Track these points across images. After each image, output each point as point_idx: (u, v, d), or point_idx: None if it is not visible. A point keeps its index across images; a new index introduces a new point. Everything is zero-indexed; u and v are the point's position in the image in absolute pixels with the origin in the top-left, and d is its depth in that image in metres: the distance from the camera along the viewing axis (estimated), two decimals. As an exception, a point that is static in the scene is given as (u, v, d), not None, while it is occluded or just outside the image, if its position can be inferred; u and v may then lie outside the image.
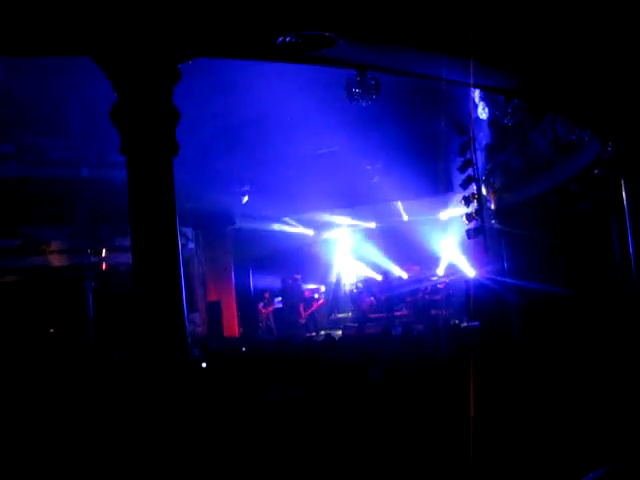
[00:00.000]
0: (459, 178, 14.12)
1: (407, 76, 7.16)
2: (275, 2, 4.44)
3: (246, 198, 15.84)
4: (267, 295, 16.24)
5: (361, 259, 17.76)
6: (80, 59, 4.41)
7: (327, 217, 17.55)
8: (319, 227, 17.92)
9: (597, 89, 6.12)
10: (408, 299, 15.73)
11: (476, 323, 11.40)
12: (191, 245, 15.97)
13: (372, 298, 16.60)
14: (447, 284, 15.68)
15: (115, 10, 4.40)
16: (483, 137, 12.90)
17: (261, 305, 16.16)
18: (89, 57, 4.56)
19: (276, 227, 17.04)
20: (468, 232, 13.90)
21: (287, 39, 5.10)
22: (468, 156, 13.30)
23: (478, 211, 12.98)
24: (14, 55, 5.66)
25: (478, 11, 4.78)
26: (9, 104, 11.02)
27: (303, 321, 16.09)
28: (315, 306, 16.63)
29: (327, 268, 17.99)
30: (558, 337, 6.71)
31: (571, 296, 9.55)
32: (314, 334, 14.87)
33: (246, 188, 15.79)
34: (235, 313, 16.15)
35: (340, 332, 14.27)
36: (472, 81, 6.21)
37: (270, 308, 16.17)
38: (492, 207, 13.07)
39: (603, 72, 5.85)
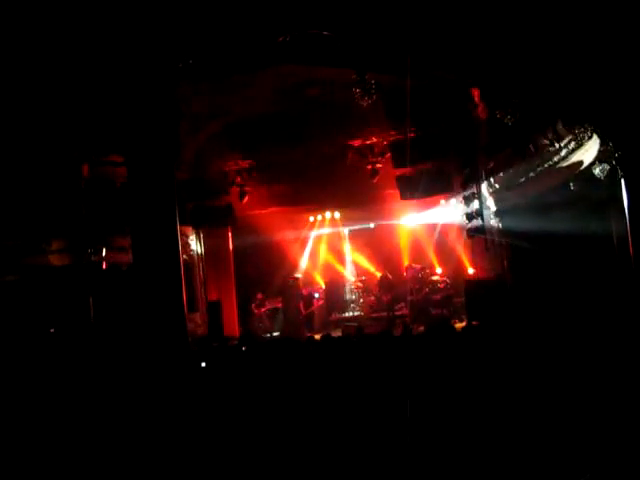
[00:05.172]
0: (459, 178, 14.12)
1: (403, 76, 7.19)
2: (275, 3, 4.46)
3: (246, 198, 15.85)
4: (260, 296, 16.33)
5: (361, 258, 17.76)
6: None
7: (326, 216, 17.56)
8: (319, 226, 17.92)
9: (597, 90, 6.13)
10: (408, 298, 15.72)
11: (476, 322, 11.39)
12: (192, 244, 15.95)
13: (372, 297, 16.60)
14: (447, 283, 15.67)
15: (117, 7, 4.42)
16: (483, 136, 12.88)
17: (254, 305, 16.20)
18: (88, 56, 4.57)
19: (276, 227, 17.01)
20: (468, 231, 13.89)
21: (287, 39, 5.12)
22: (468, 156, 13.30)
23: (478, 211, 12.97)
24: None
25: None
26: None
27: (303, 318, 16.10)
28: (315, 305, 16.64)
29: (327, 267, 17.98)
30: (561, 336, 6.71)
31: (572, 293, 9.56)
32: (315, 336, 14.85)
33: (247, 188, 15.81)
34: (235, 313, 16.14)
35: (340, 332, 14.25)
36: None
37: (263, 309, 16.23)
38: (492, 207, 13.07)
39: (603, 73, 5.86)
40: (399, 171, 14.80)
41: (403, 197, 15.23)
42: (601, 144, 7.92)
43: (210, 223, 16.03)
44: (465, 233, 14.30)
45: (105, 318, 13.15)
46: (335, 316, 16.99)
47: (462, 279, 15.21)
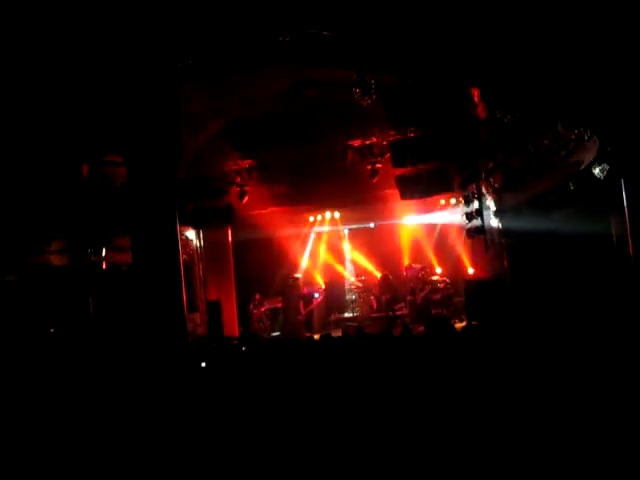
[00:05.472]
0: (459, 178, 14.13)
1: (403, 76, 7.20)
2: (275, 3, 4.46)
3: (246, 198, 15.86)
4: (258, 297, 16.38)
5: (360, 258, 17.77)
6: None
7: (326, 216, 17.57)
8: (319, 226, 17.94)
9: (596, 91, 6.13)
10: (408, 298, 15.74)
11: (476, 322, 11.39)
12: (192, 245, 15.96)
13: (372, 297, 16.61)
14: (447, 283, 15.68)
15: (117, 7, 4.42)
16: (483, 136, 12.88)
17: (252, 306, 16.26)
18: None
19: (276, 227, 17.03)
20: (468, 231, 13.90)
21: (287, 39, 5.12)
22: (468, 156, 13.30)
23: (478, 210, 12.97)
24: None
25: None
26: None
27: (303, 318, 16.16)
28: (315, 304, 16.66)
29: (327, 267, 18.00)
30: (561, 336, 6.71)
31: (572, 294, 9.56)
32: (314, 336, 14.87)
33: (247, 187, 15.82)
34: (235, 313, 16.16)
35: (340, 332, 14.25)
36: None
37: (262, 309, 16.26)
38: (492, 207, 13.08)
39: (602, 75, 5.87)
40: (399, 171, 14.80)
41: (403, 197, 15.24)
42: (601, 145, 7.92)
43: (210, 223, 16.04)
44: (465, 233, 14.31)
45: (105, 318, 13.15)
46: (335, 316, 17.00)
47: (462, 279, 15.22)
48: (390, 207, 16.59)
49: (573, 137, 9.10)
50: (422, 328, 12.65)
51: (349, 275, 17.77)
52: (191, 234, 15.94)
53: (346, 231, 18.01)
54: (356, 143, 14.87)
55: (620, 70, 5.89)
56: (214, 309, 15.42)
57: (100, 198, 13.70)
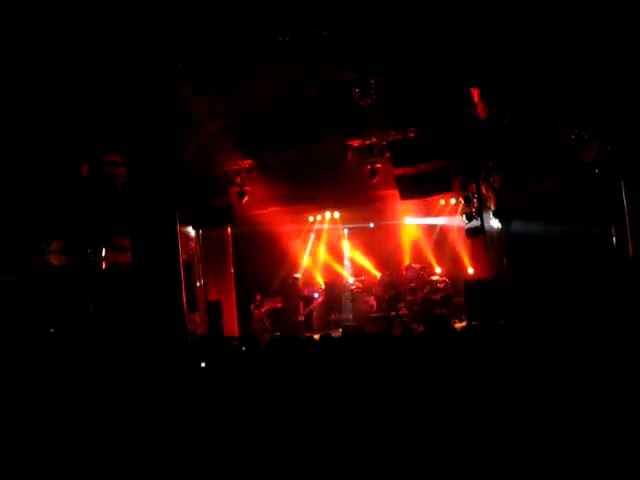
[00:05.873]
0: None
1: (403, 76, 7.20)
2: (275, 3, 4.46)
3: (246, 198, 15.85)
4: (258, 297, 16.37)
5: (360, 258, 17.78)
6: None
7: (326, 216, 17.58)
8: (318, 225, 17.96)
9: (595, 91, 6.14)
10: (408, 298, 15.75)
11: (476, 322, 11.39)
12: (191, 244, 15.95)
13: (372, 297, 16.61)
14: (447, 283, 15.69)
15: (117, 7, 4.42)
16: (483, 137, 12.90)
17: (252, 306, 16.27)
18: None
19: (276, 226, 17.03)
20: (468, 231, 13.92)
21: (287, 39, 5.13)
22: (468, 156, 13.31)
23: (478, 210, 12.99)
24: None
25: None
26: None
27: (302, 319, 16.17)
28: (315, 304, 16.67)
29: (326, 267, 18.01)
30: (561, 336, 6.71)
31: (572, 294, 9.57)
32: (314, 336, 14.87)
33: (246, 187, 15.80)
34: (235, 313, 16.16)
35: (339, 332, 14.27)
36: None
37: (262, 309, 16.29)
38: (492, 207, 13.09)
39: (601, 74, 5.87)
40: (399, 171, 14.80)
41: (403, 197, 15.23)
42: (601, 145, 7.93)
43: (210, 223, 16.02)
44: (465, 233, 14.32)
45: (105, 318, 13.14)
46: (335, 316, 17.01)
47: (462, 279, 15.23)
48: (390, 207, 16.59)
49: (573, 137, 9.11)
50: (422, 328, 12.66)
51: (349, 275, 17.78)
52: (191, 234, 15.93)
53: (346, 231, 18.02)
54: (356, 143, 14.86)
55: (620, 71, 5.90)
56: (214, 309, 15.41)
57: (100, 198, 13.70)
